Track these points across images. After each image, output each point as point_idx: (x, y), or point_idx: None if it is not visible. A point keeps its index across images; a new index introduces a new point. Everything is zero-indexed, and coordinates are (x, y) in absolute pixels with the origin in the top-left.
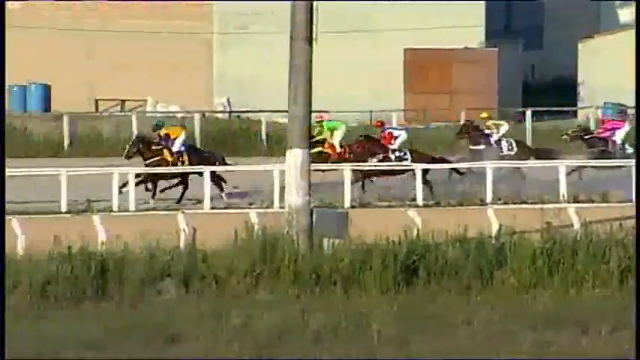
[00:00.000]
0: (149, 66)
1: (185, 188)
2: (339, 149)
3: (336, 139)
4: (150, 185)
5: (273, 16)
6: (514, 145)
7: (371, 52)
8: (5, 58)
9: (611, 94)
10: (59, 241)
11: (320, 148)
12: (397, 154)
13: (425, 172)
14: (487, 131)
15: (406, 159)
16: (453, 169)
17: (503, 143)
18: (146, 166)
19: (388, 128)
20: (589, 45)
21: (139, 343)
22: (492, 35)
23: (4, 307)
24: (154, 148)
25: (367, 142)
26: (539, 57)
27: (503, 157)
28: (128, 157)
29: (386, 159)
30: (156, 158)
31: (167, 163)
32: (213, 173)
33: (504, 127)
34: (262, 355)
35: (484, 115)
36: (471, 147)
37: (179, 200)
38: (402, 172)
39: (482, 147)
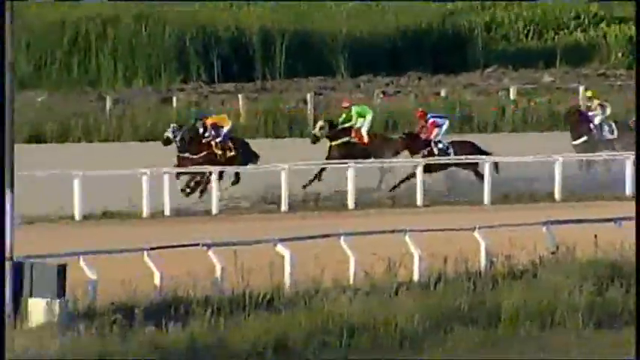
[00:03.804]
0: None
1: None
2: (366, 138)
3: (365, 127)
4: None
5: None
6: (614, 128)
7: None
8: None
9: None
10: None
11: (347, 138)
12: (439, 146)
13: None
14: (590, 113)
15: (449, 152)
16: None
17: (605, 127)
18: (195, 162)
19: (432, 117)
20: None
21: None
22: None
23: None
24: (203, 141)
25: (408, 139)
26: None
27: (605, 143)
28: (182, 144)
29: (430, 154)
30: (203, 154)
31: (215, 157)
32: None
33: (608, 108)
34: None
35: (589, 93)
36: (573, 143)
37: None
38: (445, 167)
39: (584, 139)
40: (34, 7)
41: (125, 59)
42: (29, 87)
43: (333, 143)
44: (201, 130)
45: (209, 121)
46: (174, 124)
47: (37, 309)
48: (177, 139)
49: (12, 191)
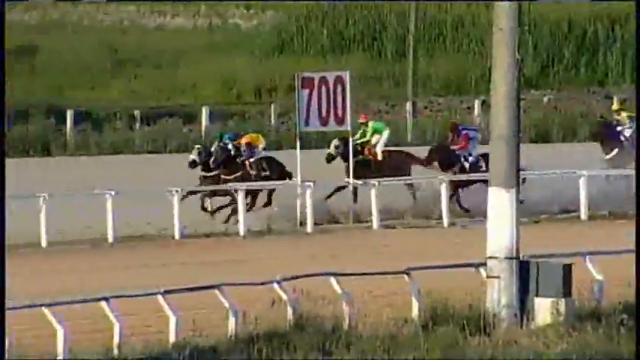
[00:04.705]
0: None
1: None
2: (380, 156)
3: (380, 144)
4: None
5: None
6: None
7: None
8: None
9: None
10: None
11: (359, 157)
12: (471, 159)
13: None
14: (619, 128)
15: (480, 166)
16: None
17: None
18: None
19: (463, 129)
20: None
21: None
22: None
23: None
24: (236, 161)
25: (438, 152)
26: None
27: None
28: (216, 165)
29: (461, 169)
30: (238, 174)
31: (250, 178)
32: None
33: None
34: None
35: (615, 106)
36: (606, 157)
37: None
38: (476, 181)
39: (616, 151)
40: (539, 6)
41: (633, 57)
42: (535, 86)
43: (347, 164)
44: (233, 151)
45: (243, 141)
46: (199, 146)
47: (543, 308)
48: (212, 159)
49: (518, 189)
